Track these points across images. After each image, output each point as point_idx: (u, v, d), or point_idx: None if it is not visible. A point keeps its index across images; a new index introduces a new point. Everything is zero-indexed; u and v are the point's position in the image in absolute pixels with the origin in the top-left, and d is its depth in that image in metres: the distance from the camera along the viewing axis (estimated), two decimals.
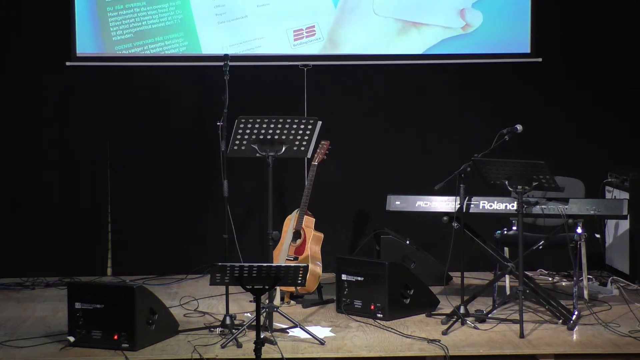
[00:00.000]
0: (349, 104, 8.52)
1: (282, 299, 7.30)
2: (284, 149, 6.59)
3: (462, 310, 6.71)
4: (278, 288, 6.98)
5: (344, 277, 7.03)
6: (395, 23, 8.36)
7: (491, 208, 7.02)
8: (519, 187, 6.56)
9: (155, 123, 8.49)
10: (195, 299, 7.44)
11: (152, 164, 8.49)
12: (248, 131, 6.52)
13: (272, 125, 6.53)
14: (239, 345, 6.20)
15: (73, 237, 8.42)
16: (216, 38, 8.29)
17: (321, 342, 6.28)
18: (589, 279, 7.53)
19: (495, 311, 6.85)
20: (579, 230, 6.96)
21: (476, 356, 6.13)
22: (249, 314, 6.97)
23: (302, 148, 6.64)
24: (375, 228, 8.24)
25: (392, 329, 6.62)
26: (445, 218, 6.93)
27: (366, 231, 8.44)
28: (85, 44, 8.23)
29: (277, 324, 6.60)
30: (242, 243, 7.13)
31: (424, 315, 6.97)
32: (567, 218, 6.82)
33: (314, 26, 8.34)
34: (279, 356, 6.02)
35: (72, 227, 8.42)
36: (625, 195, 7.82)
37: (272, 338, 6.21)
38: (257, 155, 6.59)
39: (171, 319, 6.54)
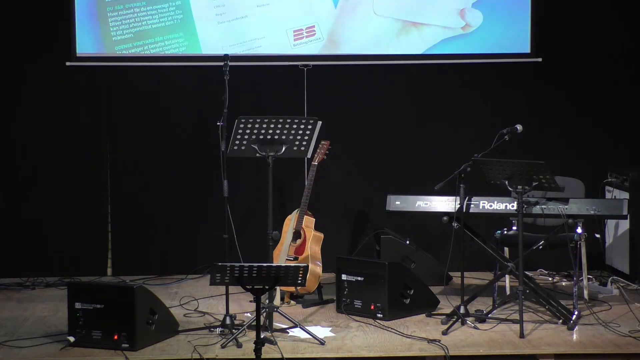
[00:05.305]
0: (349, 104, 8.51)
1: (282, 299, 7.29)
2: (284, 149, 6.59)
3: (462, 310, 6.71)
4: (278, 288, 6.98)
5: (344, 277, 7.03)
6: (395, 23, 8.36)
7: (491, 208, 7.02)
8: (519, 187, 6.55)
9: (155, 123, 8.48)
10: (195, 299, 7.43)
11: (152, 164, 8.49)
12: (248, 131, 6.52)
13: (272, 125, 6.52)
14: (239, 345, 6.20)
15: (73, 237, 8.42)
16: (216, 38, 8.28)
17: (321, 342, 6.28)
18: (589, 279, 7.53)
19: (495, 311, 6.85)
20: (579, 230, 6.96)
21: (476, 356, 6.13)
22: (249, 314, 6.96)
23: (302, 148, 6.64)
24: (375, 228, 8.23)
25: (392, 329, 6.62)
26: (445, 218, 6.93)
27: (366, 231, 8.43)
28: (85, 44, 8.23)
29: (277, 324, 6.60)
30: (242, 243, 7.13)
31: (424, 315, 6.96)
32: (567, 218, 6.82)
33: (314, 26, 8.34)
34: (279, 356, 6.02)
35: (72, 227, 8.42)
36: (625, 195, 7.82)
37: (272, 338, 6.21)
38: (257, 155, 6.59)
39: (171, 319, 6.54)
